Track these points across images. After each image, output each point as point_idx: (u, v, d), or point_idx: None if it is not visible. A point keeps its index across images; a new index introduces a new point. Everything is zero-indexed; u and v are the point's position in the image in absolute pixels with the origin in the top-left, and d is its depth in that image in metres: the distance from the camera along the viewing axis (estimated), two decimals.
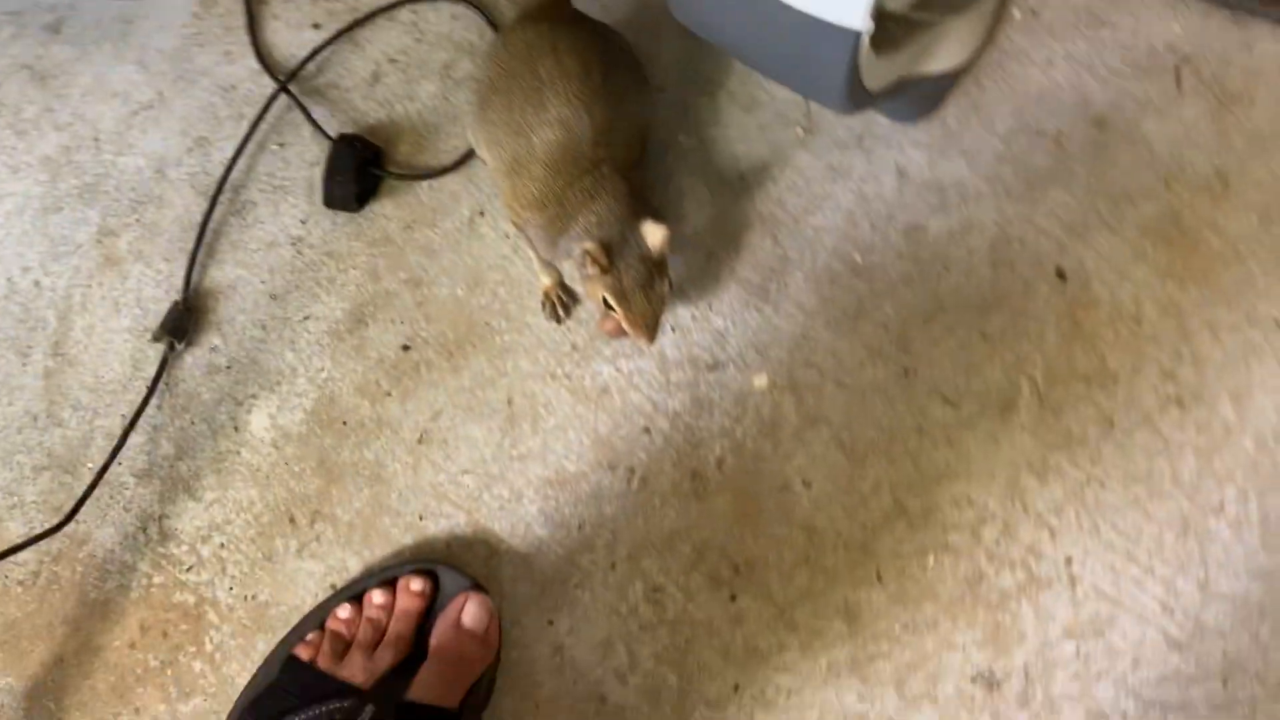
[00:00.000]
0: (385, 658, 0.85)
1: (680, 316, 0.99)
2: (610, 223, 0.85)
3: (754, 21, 0.77)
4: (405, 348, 0.97)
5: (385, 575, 0.89)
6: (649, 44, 1.06)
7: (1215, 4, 1.09)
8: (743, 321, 0.99)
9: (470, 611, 0.87)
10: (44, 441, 0.93)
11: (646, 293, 0.85)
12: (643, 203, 0.88)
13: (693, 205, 1.02)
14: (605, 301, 0.86)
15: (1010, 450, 0.97)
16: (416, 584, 0.88)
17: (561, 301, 0.97)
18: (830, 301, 0.99)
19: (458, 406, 0.96)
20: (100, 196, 0.99)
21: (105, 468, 0.90)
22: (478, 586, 0.89)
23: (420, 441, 0.95)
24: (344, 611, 0.87)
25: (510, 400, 0.96)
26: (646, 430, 0.96)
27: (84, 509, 0.91)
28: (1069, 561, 0.95)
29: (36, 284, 0.97)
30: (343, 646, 0.85)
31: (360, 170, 0.98)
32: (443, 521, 0.93)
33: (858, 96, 0.84)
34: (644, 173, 0.91)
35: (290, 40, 1.04)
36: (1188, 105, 1.06)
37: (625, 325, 0.86)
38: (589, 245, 0.84)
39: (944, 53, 0.97)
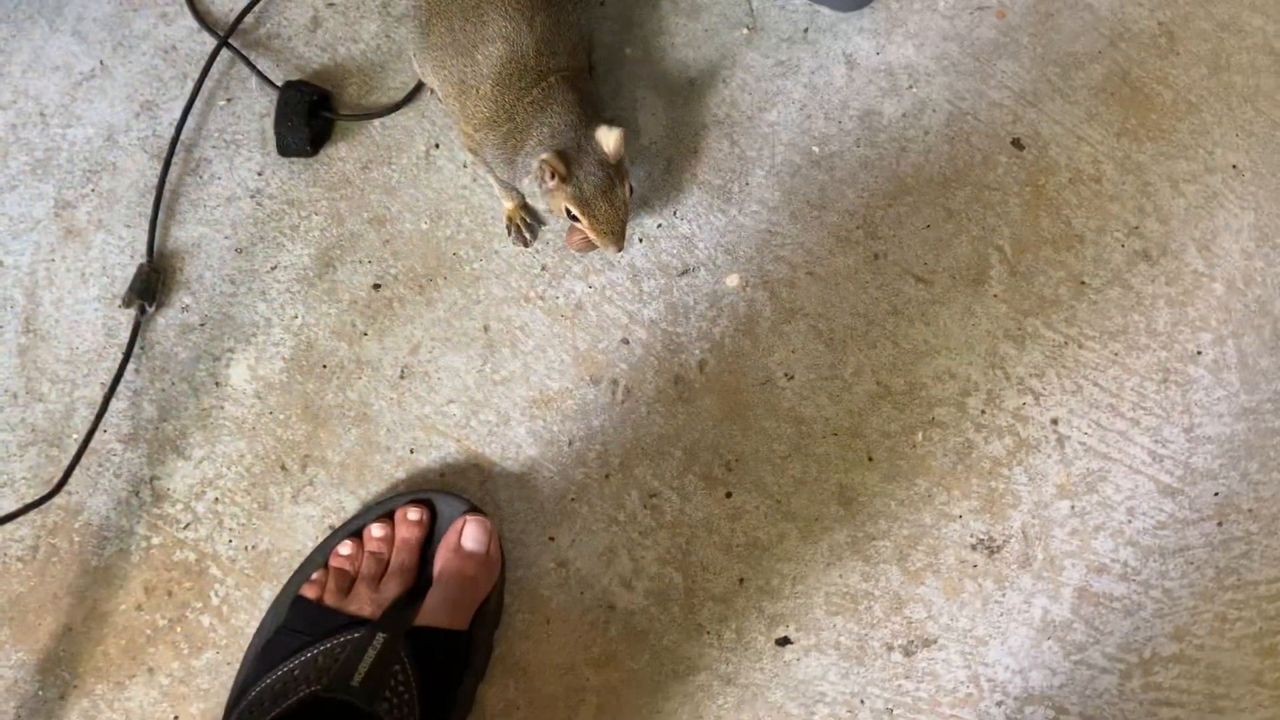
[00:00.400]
0: (391, 588, 0.85)
1: (646, 226, 0.99)
2: (564, 131, 0.85)
3: None
4: (376, 286, 0.97)
5: (382, 509, 0.89)
6: None
7: None
8: (709, 224, 0.99)
9: (469, 533, 0.87)
10: (26, 418, 0.93)
11: (609, 198, 0.85)
12: (595, 110, 0.88)
13: (647, 116, 1.02)
14: (569, 212, 0.86)
15: (986, 320, 0.97)
16: (413, 513, 0.88)
17: (526, 224, 0.97)
18: (793, 194, 1.00)
19: (435, 339, 0.96)
20: (53, 170, 0.99)
21: (89, 436, 0.90)
22: (475, 509, 0.89)
23: (402, 377, 0.95)
24: (345, 548, 0.87)
25: (486, 327, 0.96)
26: (625, 341, 0.96)
27: (74, 479, 0.91)
28: (1055, 422, 0.96)
29: (3, 264, 0.96)
30: (348, 582, 0.86)
31: (310, 115, 0.97)
32: (434, 453, 0.93)
33: None
34: (593, 83, 0.90)
35: None
36: None
37: (591, 234, 0.86)
38: (545, 155, 0.84)
39: None
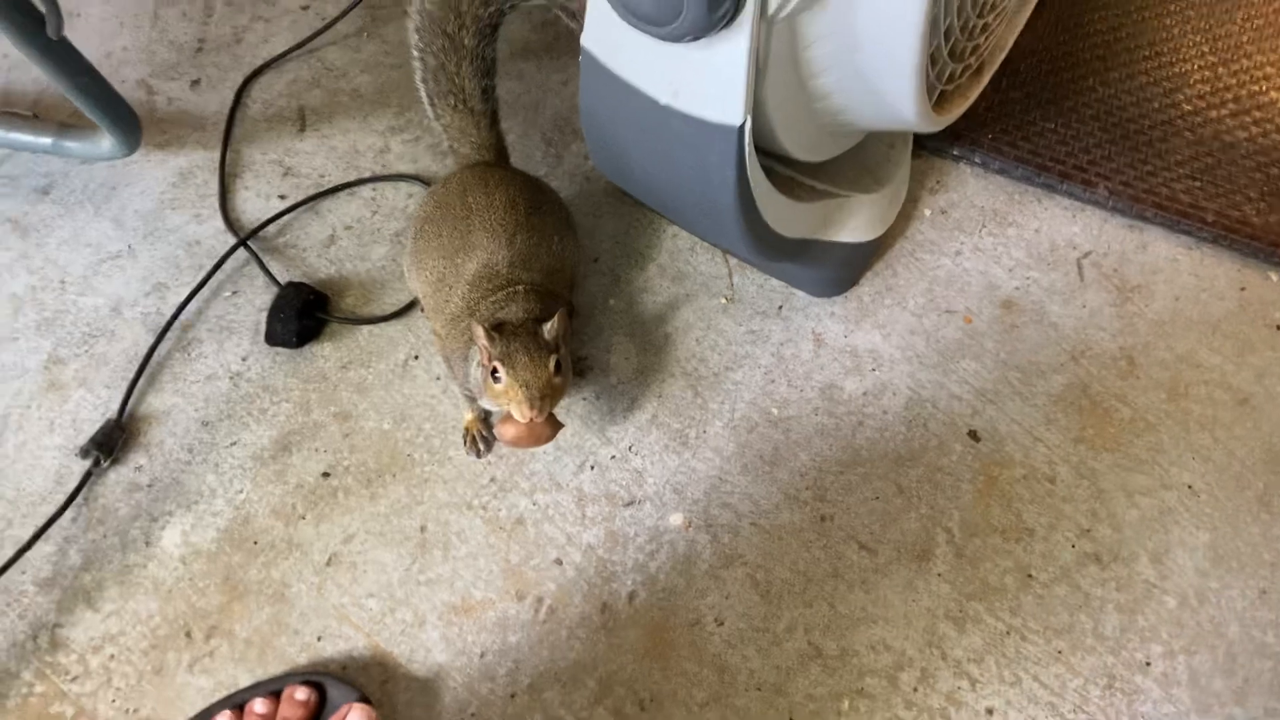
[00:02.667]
0: None
1: (600, 455, 1.01)
2: (510, 316, 0.89)
3: (651, 142, 0.86)
4: (325, 474, 0.98)
5: (271, 686, 0.86)
6: (590, 220, 1.15)
7: (1110, 210, 1.19)
8: (662, 463, 1.00)
9: None
10: None
11: (532, 355, 0.86)
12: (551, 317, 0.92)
13: (619, 358, 1.06)
14: (493, 375, 0.87)
15: (928, 598, 0.95)
16: (301, 694, 0.84)
17: (483, 436, 1.00)
18: (747, 448, 1.01)
19: (370, 532, 0.96)
20: (56, 329, 1.05)
21: (2, 570, 0.89)
22: (365, 699, 0.85)
23: (329, 564, 0.94)
24: (220, 717, 0.83)
25: (424, 527, 0.96)
26: (558, 561, 0.95)
27: None
28: (990, 712, 0.91)
29: None
30: None
31: (303, 312, 1.04)
32: (341, 643, 0.91)
33: (759, 230, 0.91)
34: (557, 303, 0.95)
35: (257, 208, 1.14)
36: (1090, 293, 1.13)
37: (509, 398, 0.86)
38: (476, 323, 0.87)
39: (852, 225, 1.05)
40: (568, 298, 1.02)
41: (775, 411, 1.04)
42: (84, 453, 0.97)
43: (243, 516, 0.96)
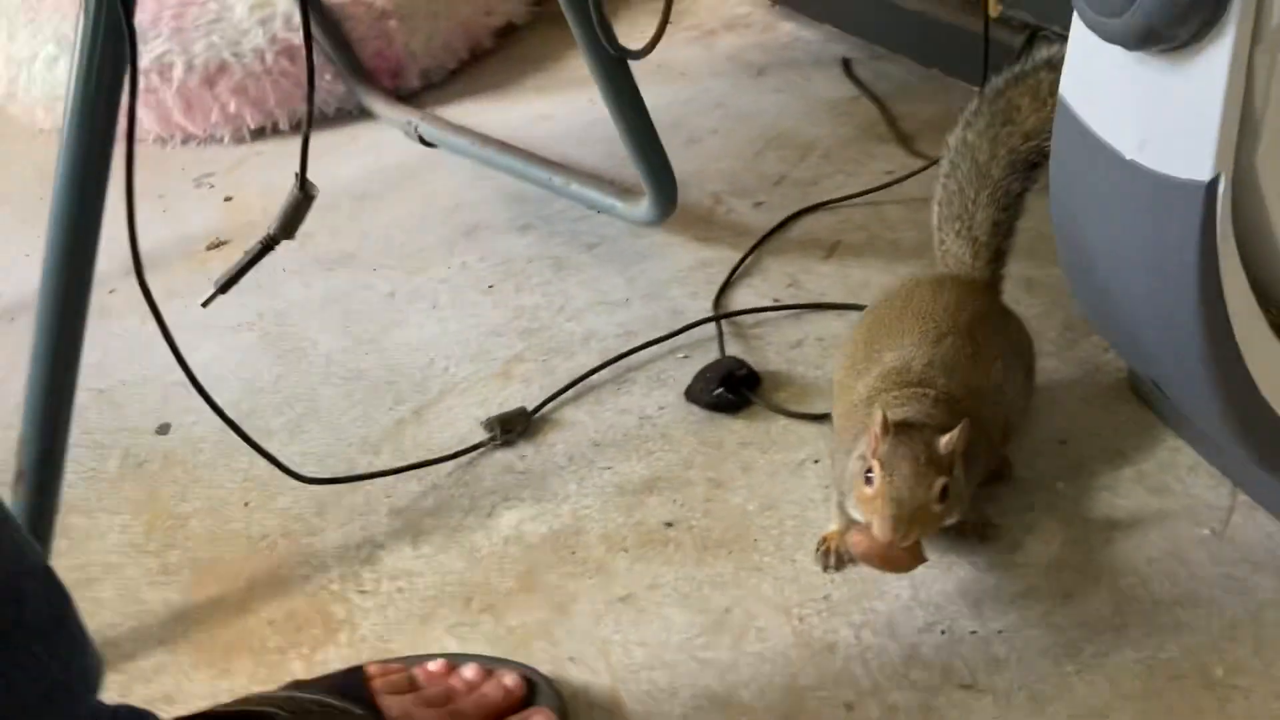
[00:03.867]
0: None
1: (958, 625, 0.81)
2: (908, 414, 0.78)
3: (1111, 219, 0.71)
4: (669, 524, 0.92)
5: (494, 663, 0.79)
6: (1077, 405, 0.98)
7: None
8: (1031, 664, 0.78)
9: None
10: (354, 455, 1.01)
11: (918, 474, 0.74)
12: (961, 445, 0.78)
13: (1039, 541, 0.87)
14: (867, 475, 0.75)
15: None
16: (511, 680, 0.76)
17: (838, 553, 0.86)
18: (1155, 698, 0.75)
19: (677, 590, 0.86)
20: (534, 337, 1.13)
21: (364, 478, 0.95)
22: (562, 715, 0.74)
23: (622, 600, 0.86)
24: (434, 665, 0.78)
25: (729, 609, 0.84)
26: (849, 707, 0.77)
27: (334, 510, 0.96)
28: None
29: (446, 370, 1.11)
30: (405, 687, 0.76)
31: (728, 381, 1.01)
32: (587, 673, 0.81)
33: (1237, 384, 0.70)
34: (968, 434, 0.79)
35: (748, 300, 1.15)
36: None
37: (873, 509, 0.74)
38: (879, 406, 0.76)
39: None
40: (995, 441, 0.87)
41: (1218, 673, 0.76)
42: (489, 426, 1.01)
43: (576, 528, 0.92)
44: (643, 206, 1.20)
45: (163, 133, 1.57)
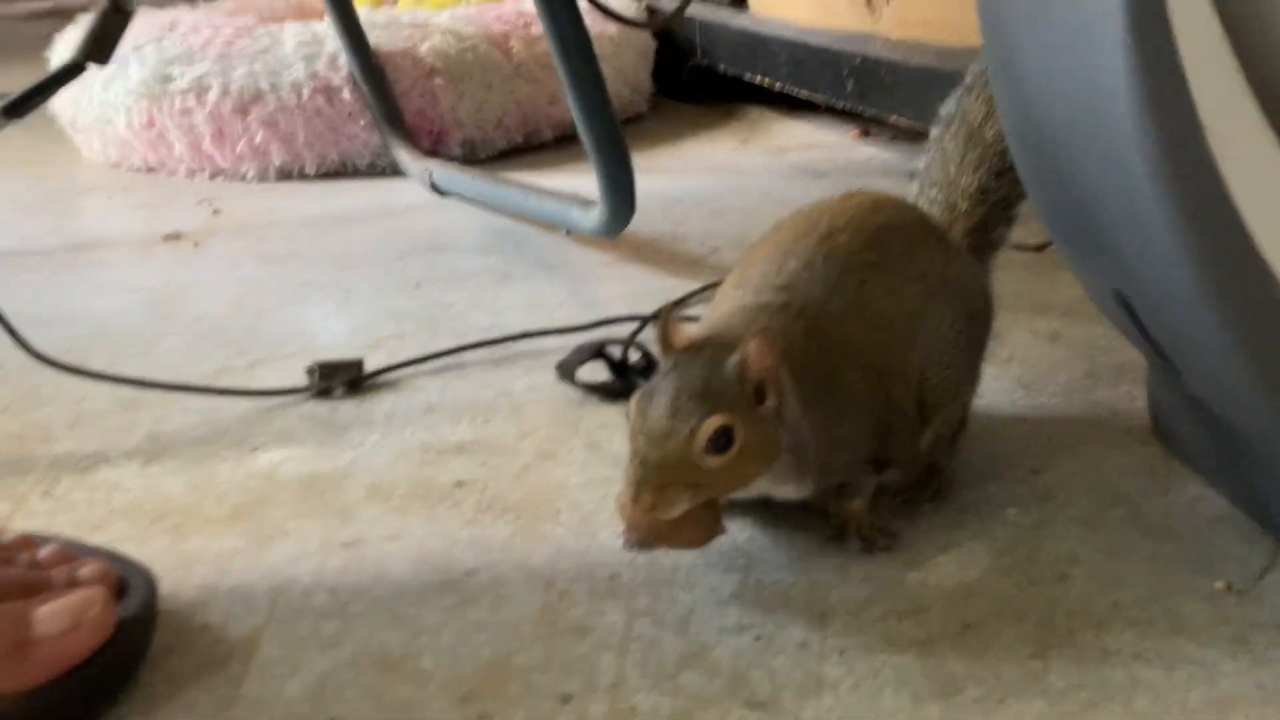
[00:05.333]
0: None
1: (786, 628, 0.52)
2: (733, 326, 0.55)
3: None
4: (459, 484, 0.68)
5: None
6: (1062, 457, 0.69)
7: None
8: (873, 694, 0.48)
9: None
10: None
11: (674, 418, 0.51)
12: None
13: (950, 563, 0.58)
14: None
15: None
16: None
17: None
18: None
19: (422, 545, 0.61)
20: (430, 322, 0.95)
21: (120, 381, 0.76)
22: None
23: (345, 545, 0.61)
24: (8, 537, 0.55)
25: (474, 571, 0.58)
26: (564, 699, 0.49)
27: (89, 423, 0.76)
28: None
29: (315, 337, 0.92)
30: None
31: (615, 366, 0.78)
32: (239, 606, 0.56)
33: (1206, 216, 0.43)
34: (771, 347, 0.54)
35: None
36: None
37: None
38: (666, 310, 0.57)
39: None
40: (906, 410, 0.60)
41: None
42: (310, 372, 0.82)
43: (343, 473, 0.70)
44: (594, 214, 1.01)
45: (193, 164, 1.51)
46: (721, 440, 0.51)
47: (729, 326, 0.58)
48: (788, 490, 0.57)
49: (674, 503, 0.51)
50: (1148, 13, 0.41)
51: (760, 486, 0.56)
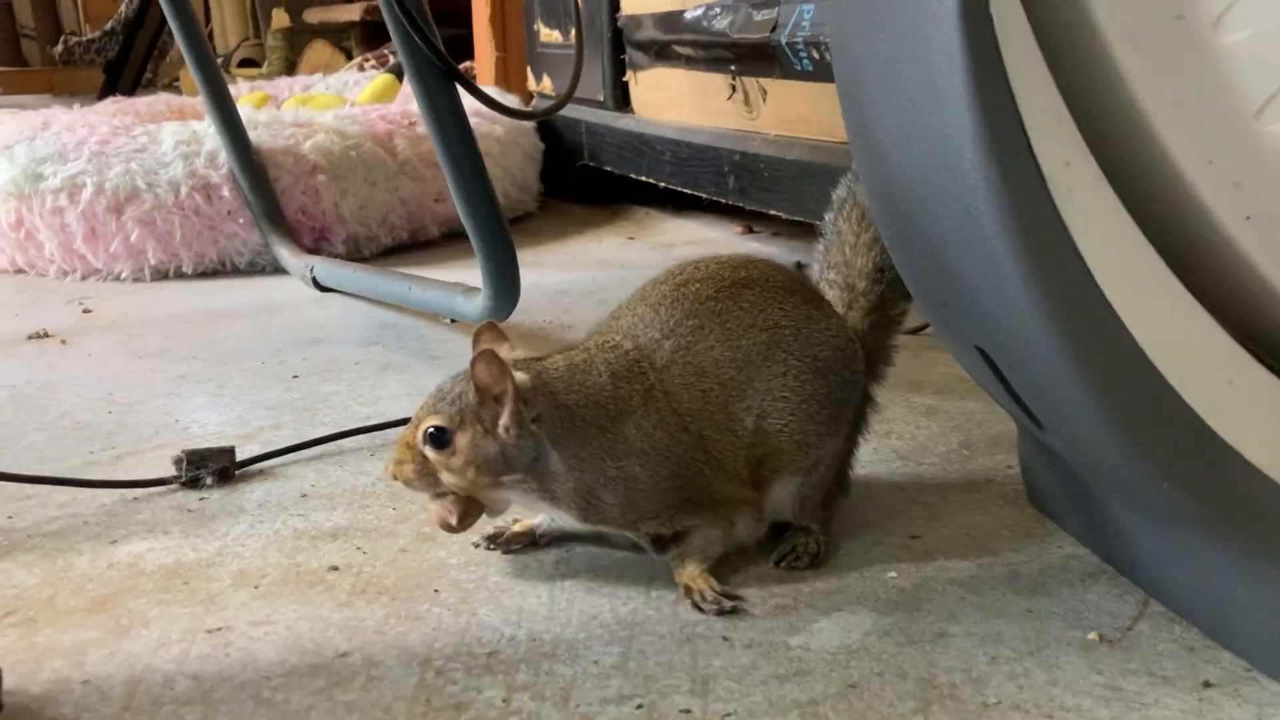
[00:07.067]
0: None
1: (668, 696, 0.51)
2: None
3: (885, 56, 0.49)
4: (333, 568, 0.65)
5: None
6: (970, 515, 0.70)
7: None
8: None
9: None
10: None
11: (427, 409, 0.61)
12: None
13: (831, 627, 0.57)
14: None
15: None
16: None
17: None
18: None
19: (291, 629, 0.58)
20: (306, 412, 0.92)
21: None
22: None
23: (210, 632, 0.58)
24: None
25: (346, 654, 0.56)
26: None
27: None
28: None
29: (186, 429, 0.89)
30: None
31: None
32: (94, 698, 0.53)
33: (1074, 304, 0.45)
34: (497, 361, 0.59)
35: None
36: None
37: None
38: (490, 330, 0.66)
39: None
40: (732, 453, 0.61)
41: None
42: (178, 462, 0.78)
43: (209, 562, 0.66)
44: (478, 301, 1.01)
45: (65, 264, 1.47)
46: (436, 436, 0.59)
47: (553, 359, 0.63)
48: (572, 518, 0.62)
49: (407, 477, 0.60)
50: (988, 68, 0.43)
51: (534, 506, 0.62)
